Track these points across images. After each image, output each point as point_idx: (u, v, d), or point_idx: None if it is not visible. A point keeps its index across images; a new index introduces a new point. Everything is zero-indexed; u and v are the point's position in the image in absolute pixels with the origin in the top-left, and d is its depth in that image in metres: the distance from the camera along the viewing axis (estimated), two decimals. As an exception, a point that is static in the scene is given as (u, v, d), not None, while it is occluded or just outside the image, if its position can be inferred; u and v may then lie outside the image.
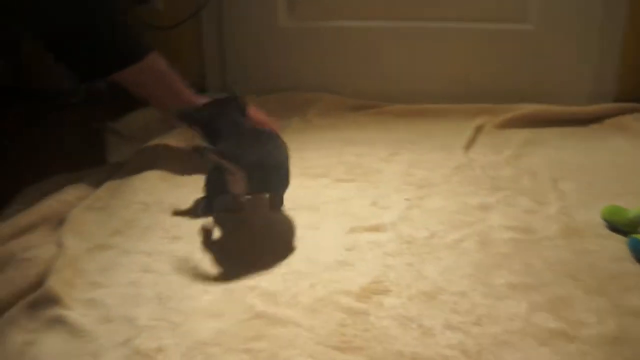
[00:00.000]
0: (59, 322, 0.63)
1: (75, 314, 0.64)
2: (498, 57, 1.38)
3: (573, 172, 0.99)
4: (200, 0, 1.45)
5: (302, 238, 0.79)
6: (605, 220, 0.81)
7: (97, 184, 0.94)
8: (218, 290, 0.68)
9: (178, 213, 0.87)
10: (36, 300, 0.66)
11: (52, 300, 0.65)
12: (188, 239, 0.79)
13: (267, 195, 0.79)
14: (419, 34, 1.39)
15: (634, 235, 0.74)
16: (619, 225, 0.80)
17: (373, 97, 1.35)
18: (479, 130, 1.22)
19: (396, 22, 1.39)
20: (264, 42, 1.46)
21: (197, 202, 0.87)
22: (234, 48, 1.47)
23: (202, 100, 1.00)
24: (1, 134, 1.22)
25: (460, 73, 1.40)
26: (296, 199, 0.90)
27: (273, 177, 0.78)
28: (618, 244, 0.77)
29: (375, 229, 0.81)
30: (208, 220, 0.83)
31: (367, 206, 0.88)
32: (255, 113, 1.02)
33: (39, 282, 0.69)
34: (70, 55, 0.97)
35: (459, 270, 0.72)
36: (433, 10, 1.39)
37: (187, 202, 0.89)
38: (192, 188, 0.94)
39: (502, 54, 1.39)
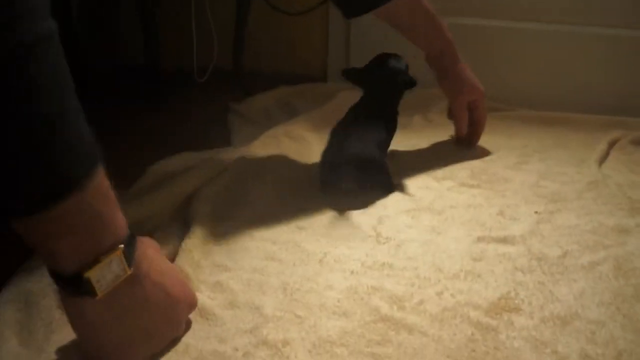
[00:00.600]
0: (189, 302, 0.64)
1: (203, 296, 0.65)
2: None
3: None
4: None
5: (427, 242, 0.77)
6: None
7: (222, 165, 0.96)
8: (342, 287, 0.67)
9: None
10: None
11: (182, 279, 0.67)
12: (312, 229, 0.79)
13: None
14: (558, 38, 1.32)
15: None
16: None
17: (499, 100, 1.29)
18: (612, 144, 1.14)
19: (535, 24, 1.33)
20: (392, 35, 1.43)
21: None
22: (359, 38, 1.46)
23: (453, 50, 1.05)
24: (131, 112, 1.27)
25: (597, 82, 1.32)
26: (419, 200, 0.88)
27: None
28: None
29: (504, 240, 0.77)
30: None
31: (495, 215, 0.84)
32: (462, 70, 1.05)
33: (170, 260, 0.71)
34: None
35: (596, 296, 0.67)
36: (577, 14, 1.32)
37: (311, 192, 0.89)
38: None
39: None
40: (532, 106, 1.27)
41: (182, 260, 0.70)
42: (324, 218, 0.82)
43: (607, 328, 0.62)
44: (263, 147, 1.02)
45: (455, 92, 1.05)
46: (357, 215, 0.83)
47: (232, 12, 1.44)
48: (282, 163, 0.97)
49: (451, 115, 1.08)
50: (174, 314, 0.57)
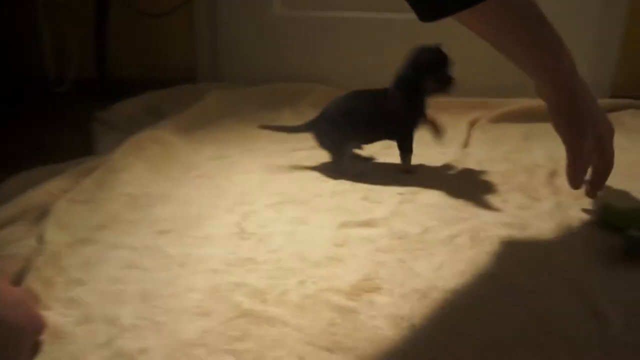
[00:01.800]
0: (38, 322, 0.60)
1: (54, 314, 0.61)
2: (495, 51, 1.36)
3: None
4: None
5: (291, 233, 0.77)
6: (600, 216, 0.80)
7: (82, 175, 0.92)
8: (204, 287, 0.65)
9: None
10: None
11: (31, 299, 0.63)
12: (176, 233, 0.77)
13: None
14: (415, 27, 1.36)
15: (629, 233, 0.72)
16: (613, 221, 0.78)
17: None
18: (472, 124, 1.21)
19: (393, 14, 1.37)
20: (258, 31, 1.43)
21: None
22: (226, 36, 1.45)
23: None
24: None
25: (456, 66, 1.38)
26: (285, 192, 0.88)
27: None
28: (609, 240, 0.75)
29: (367, 224, 0.79)
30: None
31: (359, 200, 0.86)
32: None
33: (20, 280, 0.67)
34: None
35: (453, 267, 0.70)
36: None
37: (175, 195, 0.87)
38: (180, 181, 0.93)
39: (482, 46, 1.37)
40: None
41: (32, 279, 0.66)
42: (188, 219, 0.80)
43: (461, 296, 0.65)
44: (126, 154, 0.98)
45: (574, 135, 0.81)
46: (221, 214, 0.82)
47: (90, 17, 1.38)
48: (143, 169, 0.94)
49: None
50: (14, 344, 0.53)
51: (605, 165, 0.83)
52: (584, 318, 0.60)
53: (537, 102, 1.26)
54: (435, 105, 1.26)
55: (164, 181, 0.93)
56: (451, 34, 1.37)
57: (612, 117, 1.24)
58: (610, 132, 0.83)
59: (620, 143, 1.03)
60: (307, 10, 1.43)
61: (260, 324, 0.60)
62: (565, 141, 0.83)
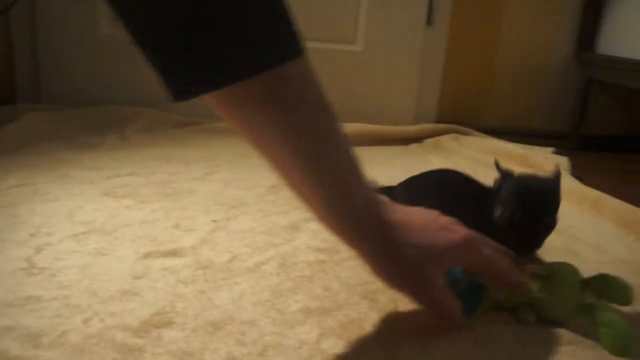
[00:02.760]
0: None
1: None
2: (327, 76, 1.40)
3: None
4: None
5: (87, 266, 0.72)
6: None
7: None
8: (-29, 332, 0.59)
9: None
10: None
11: None
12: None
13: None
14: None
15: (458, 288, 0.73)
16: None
17: (198, 114, 1.30)
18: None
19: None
20: (84, 50, 1.36)
21: None
22: (48, 52, 1.36)
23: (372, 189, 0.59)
24: None
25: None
26: (89, 222, 0.83)
27: None
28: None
29: (173, 253, 0.76)
30: None
31: (170, 229, 0.82)
32: None
33: None
34: (165, 53, 0.50)
35: (254, 296, 0.68)
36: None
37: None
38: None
39: (331, 73, 1.41)
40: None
41: None
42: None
43: (258, 326, 0.63)
44: None
45: (419, 291, 0.60)
46: (11, 247, 0.75)
47: None
48: None
49: None
50: None
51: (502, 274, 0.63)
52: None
53: (368, 127, 1.32)
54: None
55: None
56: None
57: (434, 141, 1.33)
58: (477, 245, 0.61)
59: (438, 164, 1.09)
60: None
61: (28, 370, 0.54)
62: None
